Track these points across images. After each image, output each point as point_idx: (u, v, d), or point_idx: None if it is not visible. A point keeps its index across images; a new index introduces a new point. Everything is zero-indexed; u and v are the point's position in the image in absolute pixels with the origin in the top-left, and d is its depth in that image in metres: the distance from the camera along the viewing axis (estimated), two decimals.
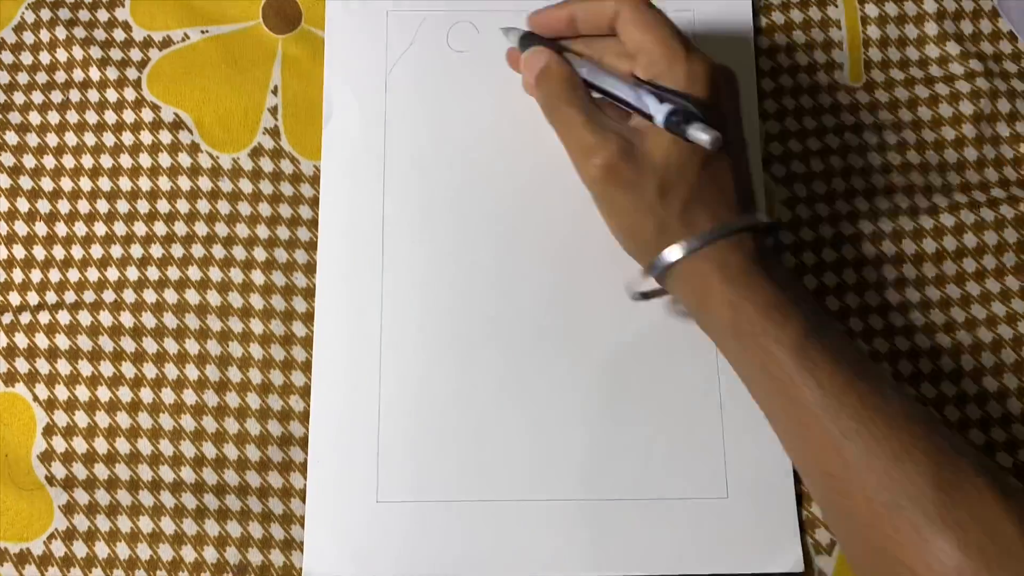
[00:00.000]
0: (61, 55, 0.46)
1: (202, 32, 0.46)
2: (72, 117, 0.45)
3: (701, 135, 0.32)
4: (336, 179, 0.44)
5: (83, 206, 0.44)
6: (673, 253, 0.35)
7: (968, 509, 0.30)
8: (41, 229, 0.44)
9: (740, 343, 0.34)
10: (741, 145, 0.37)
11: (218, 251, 0.43)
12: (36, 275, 0.43)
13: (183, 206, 0.44)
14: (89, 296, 0.43)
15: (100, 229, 0.44)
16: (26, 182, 0.44)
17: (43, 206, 0.44)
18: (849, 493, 0.32)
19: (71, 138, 0.45)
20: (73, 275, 0.43)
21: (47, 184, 0.44)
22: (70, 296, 0.43)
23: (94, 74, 0.46)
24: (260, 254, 0.43)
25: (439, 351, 0.42)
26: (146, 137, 0.45)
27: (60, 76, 0.46)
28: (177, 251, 0.43)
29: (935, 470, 0.30)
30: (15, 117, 0.45)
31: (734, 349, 0.35)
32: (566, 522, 0.40)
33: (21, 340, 0.42)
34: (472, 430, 0.41)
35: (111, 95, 0.45)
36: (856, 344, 0.34)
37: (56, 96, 0.45)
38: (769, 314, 0.33)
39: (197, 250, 0.43)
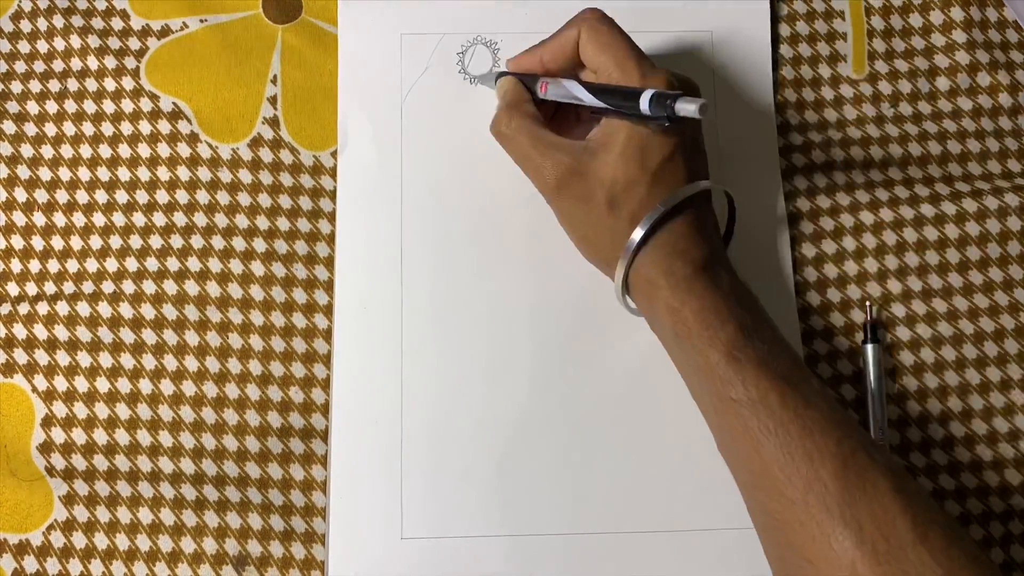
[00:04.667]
0: (59, 44, 0.46)
1: (201, 21, 0.46)
2: (70, 107, 0.45)
3: (688, 107, 0.33)
4: (353, 208, 0.43)
5: (82, 196, 0.44)
6: (636, 234, 0.36)
7: (867, 507, 0.31)
8: (39, 219, 0.44)
9: (679, 345, 0.36)
10: (698, 153, 0.39)
11: (217, 242, 0.43)
12: (35, 265, 0.43)
13: (182, 196, 0.44)
14: (88, 287, 0.43)
15: (99, 219, 0.43)
16: (24, 172, 0.44)
17: (41, 196, 0.44)
18: (765, 489, 0.33)
19: (69, 128, 0.45)
20: (72, 266, 0.43)
21: (45, 174, 0.44)
22: (69, 287, 0.43)
23: (92, 63, 0.45)
24: (260, 245, 0.43)
25: (460, 384, 0.41)
26: (145, 127, 0.44)
27: (58, 65, 0.45)
28: (176, 242, 0.43)
29: (841, 469, 0.32)
30: (13, 106, 0.45)
31: (675, 351, 0.37)
32: (592, 556, 0.39)
33: (20, 331, 0.42)
34: (495, 465, 0.40)
35: (109, 84, 0.45)
36: (791, 350, 0.36)
37: (54, 85, 0.45)
38: (706, 318, 0.35)
39: (196, 241, 0.43)
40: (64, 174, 0.44)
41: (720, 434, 0.36)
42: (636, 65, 0.36)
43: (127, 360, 0.42)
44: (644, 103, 0.34)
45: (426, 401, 0.41)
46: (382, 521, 0.40)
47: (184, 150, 0.44)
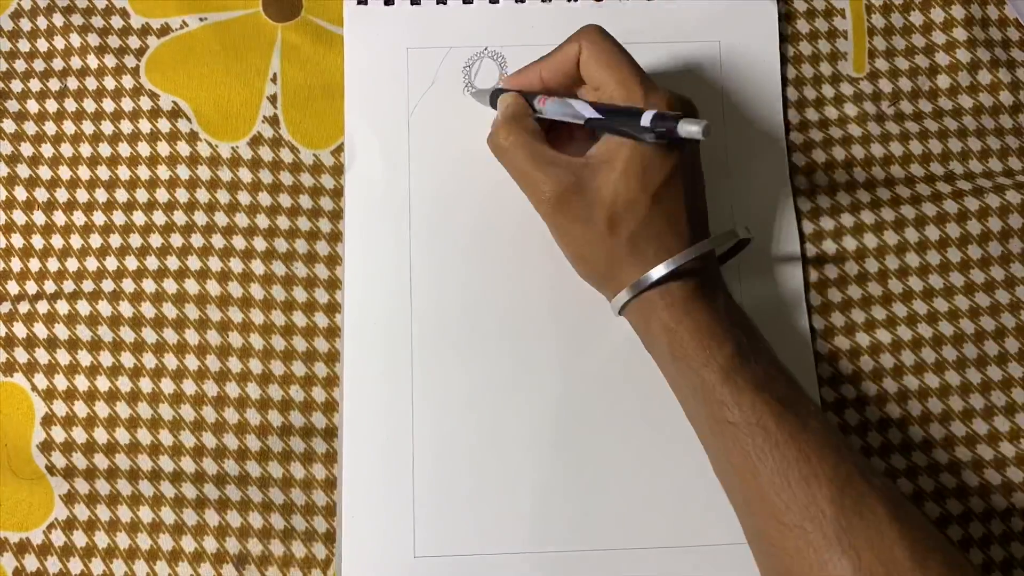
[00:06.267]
0: (59, 43, 0.45)
1: (200, 19, 0.46)
2: (70, 105, 0.45)
3: (692, 128, 0.33)
4: (361, 224, 0.43)
5: (81, 195, 0.44)
6: (655, 272, 0.36)
7: (865, 534, 0.31)
8: (39, 218, 0.44)
9: (675, 366, 0.36)
10: (697, 174, 0.38)
11: (217, 240, 0.43)
12: (35, 264, 0.43)
13: (182, 195, 0.44)
14: (88, 286, 0.43)
15: (99, 218, 0.43)
16: (24, 171, 0.44)
17: (41, 195, 0.44)
18: (761, 514, 0.33)
19: (69, 127, 0.45)
20: (72, 264, 0.43)
21: (45, 173, 0.44)
22: (69, 286, 0.43)
23: (92, 62, 0.45)
24: (260, 243, 0.43)
25: (471, 400, 0.41)
26: (144, 126, 0.44)
27: (58, 64, 0.45)
28: (176, 241, 0.43)
29: (838, 495, 0.31)
30: (13, 105, 0.45)
31: (671, 372, 0.37)
32: (607, 572, 0.39)
33: (20, 330, 0.42)
34: (508, 482, 0.40)
35: (109, 83, 0.45)
36: (787, 371, 0.36)
37: (54, 84, 0.45)
38: (702, 340, 0.35)
39: (196, 239, 0.43)
40: (64, 173, 0.44)
41: (716, 457, 0.36)
42: (639, 83, 0.36)
43: (127, 359, 0.42)
44: (647, 123, 0.34)
45: (437, 419, 0.41)
46: (394, 540, 0.40)
47: (184, 149, 0.44)
